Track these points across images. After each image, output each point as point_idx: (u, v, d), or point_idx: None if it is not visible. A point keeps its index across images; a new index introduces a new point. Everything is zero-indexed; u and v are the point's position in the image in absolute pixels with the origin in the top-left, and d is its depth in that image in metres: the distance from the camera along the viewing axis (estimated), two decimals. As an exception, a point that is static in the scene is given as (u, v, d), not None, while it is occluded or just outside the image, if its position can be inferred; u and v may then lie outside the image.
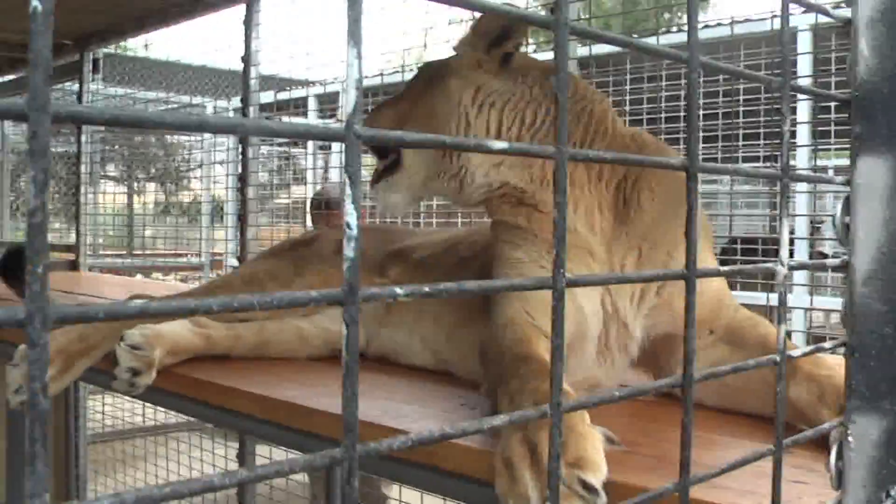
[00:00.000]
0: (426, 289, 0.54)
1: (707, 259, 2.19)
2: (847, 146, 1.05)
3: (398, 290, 0.53)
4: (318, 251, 2.97)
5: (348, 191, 0.50)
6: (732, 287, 3.22)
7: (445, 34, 5.09)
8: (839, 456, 1.04)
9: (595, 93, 2.31)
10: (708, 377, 0.78)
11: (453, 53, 2.33)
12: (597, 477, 1.40)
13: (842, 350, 1.06)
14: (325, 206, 5.65)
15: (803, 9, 1.00)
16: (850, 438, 1.01)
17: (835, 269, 1.13)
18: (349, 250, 0.50)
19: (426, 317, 2.67)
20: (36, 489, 0.40)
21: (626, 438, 1.74)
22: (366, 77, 5.72)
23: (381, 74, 5.62)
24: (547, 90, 2.21)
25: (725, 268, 0.83)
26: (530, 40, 5.97)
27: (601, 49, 4.58)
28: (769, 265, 0.91)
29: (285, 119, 6.71)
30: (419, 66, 2.56)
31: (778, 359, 0.90)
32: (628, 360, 2.19)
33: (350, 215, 0.50)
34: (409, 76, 5.66)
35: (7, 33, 5.99)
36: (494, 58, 2.22)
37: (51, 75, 0.39)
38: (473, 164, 2.19)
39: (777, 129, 4.61)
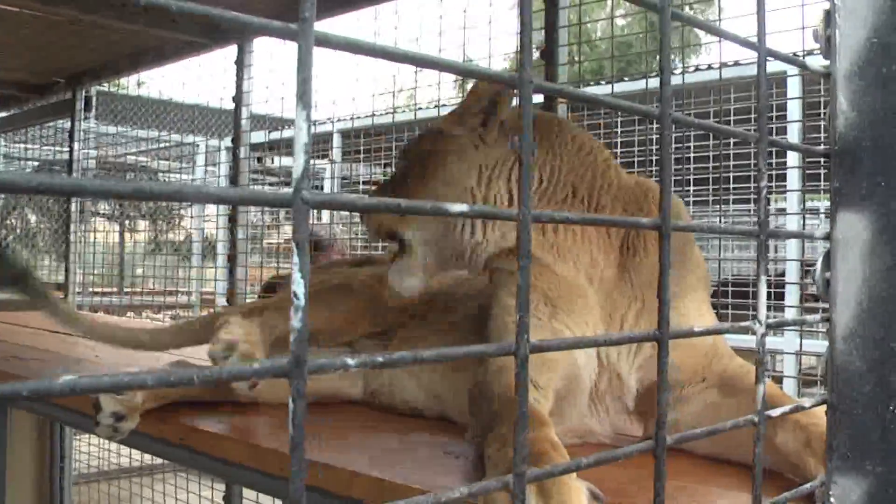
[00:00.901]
0: (379, 359, 0.52)
1: (703, 310, 2.17)
2: (830, 201, 1.03)
3: (349, 361, 0.51)
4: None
5: (296, 259, 0.48)
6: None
7: (435, 76, 5.10)
8: (821, 517, 1.01)
9: (595, 143, 2.29)
10: (681, 441, 0.76)
11: (445, 131, 2.28)
12: (580, 531, 1.38)
13: (823, 406, 1.04)
14: (314, 248, 5.66)
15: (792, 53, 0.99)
16: (831, 500, 0.99)
17: (817, 321, 1.11)
18: (296, 321, 0.48)
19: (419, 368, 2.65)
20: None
21: (612, 488, 1.71)
22: (357, 117, 5.72)
23: (373, 115, 5.61)
24: (547, 147, 2.20)
25: (700, 328, 0.81)
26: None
27: (591, 89, 4.59)
28: (748, 324, 0.89)
29: (276, 159, 6.71)
30: (406, 146, 2.49)
31: (756, 419, 0.88)
32: (622, 408, 2.16)
33: (297, 284, 0.48)
34: (399, 117, 5.68)
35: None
36: (491, 129, 2.19)
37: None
38: (485, 241, 2.18)
39: (768, 171, 4.61)
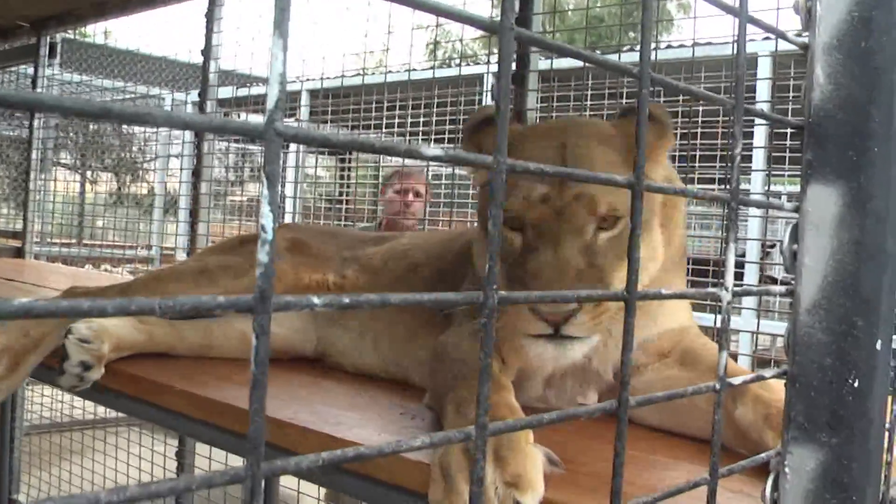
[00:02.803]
0: (345, 300, 0.51)
1: (675, 283, 2.18)
2: (801, 173, 1.03)
3: (315, 300, 0.50)
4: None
5: (265, 192, 0.46)
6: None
7: (408, 38, 5.05)
8: (775, 486, 1.02)
9: None
10: (643, 403, 0.76)
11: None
12: (533, 496, 1.38)
13: (783, 379, 1.04)
14: (393, 177, 5.59)
15: (763, 34, 0.98)
16: (786, 470, 1.00)
17: (782, 294, 1.11)
18: (263, 255, 0.47)
19: (381, 319, 2.63)
20: None
21: (566, 456, 1.72)
22: (327, 78, 5.67)
23: (342, 76, 5.56)
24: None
25: (667, 291, 0.81)
26: (493, 50, 5.95)
27: (563, 63, 4.58)
28: (713, 290, 0.89)
29: (243, 116, 6.64)
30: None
31: (717, 386, 0.88)
32: (579, 386, 2.18)
33: (266, 217, 0.46)
34: (369, 79, 5.64)
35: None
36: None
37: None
38: None
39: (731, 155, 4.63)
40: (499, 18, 0.59)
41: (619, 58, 4.13)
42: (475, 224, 2.51)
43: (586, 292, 0.70)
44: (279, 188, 0.44)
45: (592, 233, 1.85)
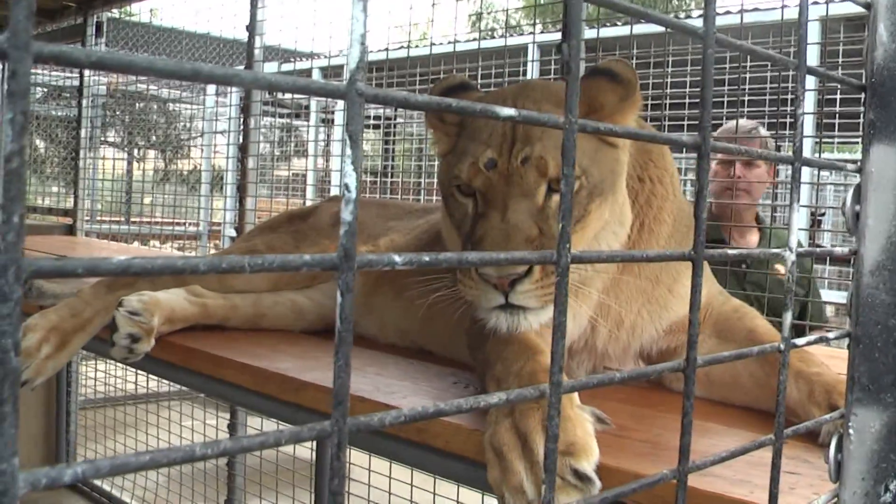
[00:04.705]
0: (426, 258, 0.52)
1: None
2: (850, 140, 1.02)
3: (396, 258, 0.51)
4: (316, 224, 2.94)
5: (348, 151, 0.47)
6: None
7: (451, 10, 5.03)
8: (839, 448, 1.02)
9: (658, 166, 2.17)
10: (711, 362, 0.76)
11: None
12: (589, 462, 1.38)
13: (846, 341, 1.04)
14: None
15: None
16: (850, 431, 0.99)
17: (837, 260, 1.10)
18: (347, 213, 0.48)
19: (400, 302, 2.64)
20: (4, 452, 0.38)
21: (618, 423, 1.73)
22: (371, 52, 5.66)
23: (387, 49, 5.56)
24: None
25: (733, 250, 0.81)
26: (537, 20, 5.91)
27: (608, 33, 4.54)
28: (779, 250, 0.89)
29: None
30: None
31: (782, 346, 0.88)
32: (593, 363, 2.20)
33: (349, 177, 0.47)
34: (414, 52, 5.63)
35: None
36: None
37: (33, 11, 0.37)
38: None
39: (782, 119, 4.57)
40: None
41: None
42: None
43: (653, 253, 0.71)
44: (362, 147, 0.45)
45: (544, 196, 1.81)
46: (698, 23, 0.75)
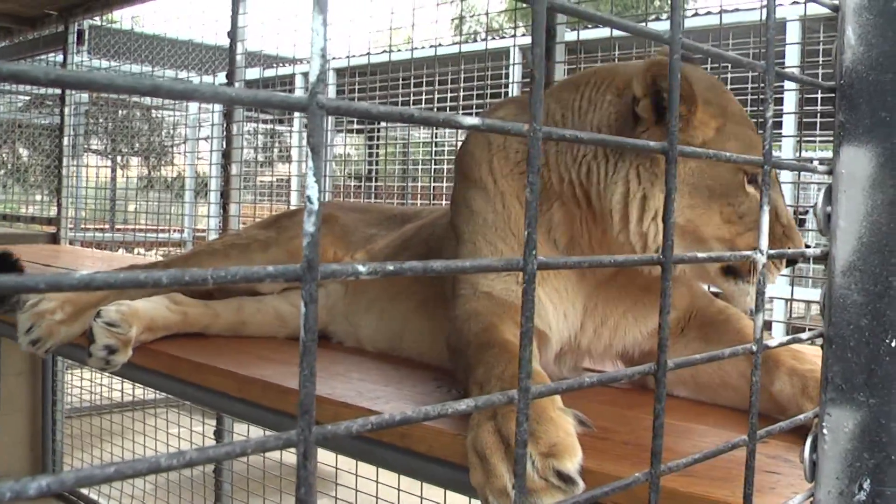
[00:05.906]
0: (390, 267, 0.52)
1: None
2: (832, 138, 1.03)
3: (360, 268, 0.51)
4: (301, 222, 2.95)
5: (310, 163, 0.48)
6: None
7: (433, 14, 5.04)
8: (813, 448, 1.03)
9: None
10: (682, 365, 0.77)
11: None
12: (573, 463, 1.38)
13: (819, 341, 1.05)
14: None
15: (791, -6, 0.98)
16: (824, 430, 1.00)
17: (815, 259, 1.12)
18: (309, 225, 0.48)
19: (380, 305, 2.65)
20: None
21: (601, 425, 1.73)
22: (353, 56, 5.66)
23: (369, 54, 5.56)
24: None
25: (702, 255, 0.82)
26: (520, 23, 5.93)
27: (589, 34, 4.56)
28: (748, 253, 0.89)
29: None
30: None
31: (754, 348, 0.89)
32: (578, 363, 2.22)
33: (311, 188, 0.48)
34: (396, 56, 5.63)
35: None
36: None
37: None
38: None
39: (761, 120, 4.58)
40: (531, -12, 0.60)
41: (646, 27, 4.09)
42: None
43: (622, 257, 0.71)
44: (324, 159, 0.45)
45: None
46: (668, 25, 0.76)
